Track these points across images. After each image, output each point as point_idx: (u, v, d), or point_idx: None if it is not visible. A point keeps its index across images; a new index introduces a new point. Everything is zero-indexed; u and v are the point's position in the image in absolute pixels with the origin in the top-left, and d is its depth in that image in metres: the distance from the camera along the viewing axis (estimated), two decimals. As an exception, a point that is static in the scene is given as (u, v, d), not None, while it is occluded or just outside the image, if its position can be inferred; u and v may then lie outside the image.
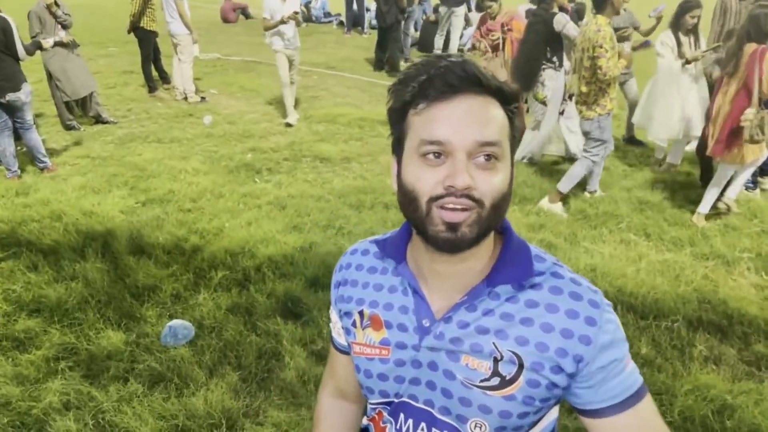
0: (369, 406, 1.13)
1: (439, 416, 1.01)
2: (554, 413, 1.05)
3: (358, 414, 1.26)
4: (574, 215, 4.94)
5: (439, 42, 11.47)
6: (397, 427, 1.06)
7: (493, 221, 0.92)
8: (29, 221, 4.57)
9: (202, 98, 8.56)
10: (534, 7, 5.74)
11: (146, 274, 3.84)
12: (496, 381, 0.95)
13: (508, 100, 0.94)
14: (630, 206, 5.12)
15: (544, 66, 5.52)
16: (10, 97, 5.25)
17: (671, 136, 5.78)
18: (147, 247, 4.19)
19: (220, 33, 14.23)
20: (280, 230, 4.52)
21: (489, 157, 0.89)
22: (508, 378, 0.95)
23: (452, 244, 0.90)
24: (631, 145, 6.80)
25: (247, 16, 16.36)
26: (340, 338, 1.18)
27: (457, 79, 0.89)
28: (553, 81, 5.59)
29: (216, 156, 6.29)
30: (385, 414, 1.09)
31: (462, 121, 0.88)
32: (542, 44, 5.45)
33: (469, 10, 12.33)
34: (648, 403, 0.97)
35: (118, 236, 4.30)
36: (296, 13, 6.74)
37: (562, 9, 5.53)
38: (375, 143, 6.84)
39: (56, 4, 6.61)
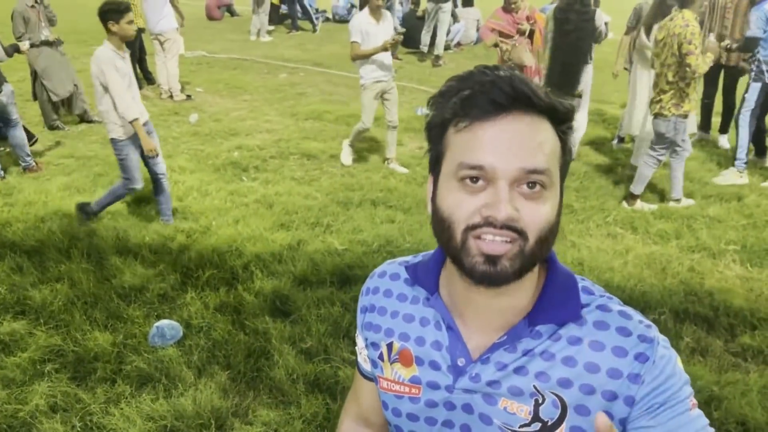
0: None
1: None
2: None
3: None
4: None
5: (425, 38, 11.46)
6: None
7: (537, 255, 0.82)
8: (13, 222, 4.52)
9: (188, 96, 8.50)
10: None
11: (133, 274, 3.81)
12: (536, 426, 0.86)
13: (562, 119, 0.83)
14: (616, 200, 5.15)
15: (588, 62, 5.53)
16: None
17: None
18: (133, 247, 4.16)
19: (205, 30, 14.14)
20: (267, 228, 4.50)
21: (534, 184, 0.79)
22: (549, 424, 0.85)
23: (490, 278, 0.80)
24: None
25: (233, 14, 16.24)
26: (366, 365, 1.08)
27: (504, 97, 0.78)
28: (586, 75, 5.62)
29: (202, 154, 6.25)
30: None
31: (508, 145, 0.78)
32: (590, 41, 5.47)
33: (455, 5, 12.33)
34: None
35: (103, 236, 4.27)
36: (400, 34, 5.52)
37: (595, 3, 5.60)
38: (363, 140, 6.83)
39: (38, 1, 6.55)
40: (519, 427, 0.87)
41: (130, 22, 4.10)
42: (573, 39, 5.46)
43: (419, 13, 11.97)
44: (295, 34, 13.95)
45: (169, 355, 3.09)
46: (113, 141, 4.21)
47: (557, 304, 0.88)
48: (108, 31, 4.08)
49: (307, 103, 8.38)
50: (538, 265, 0.89)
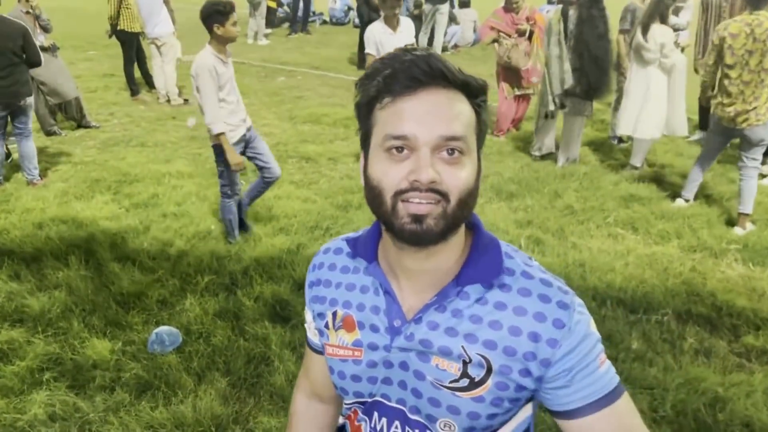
0: (344, 405, 1.13)
1: (410, 415, 1.02)
2: (528, 410, 1.03)
3: (334, 415, 1.26)
4: (561, 210, 4.94)
5: (423, 39, 11.45)
6: (371, 425, 1.07)
7: (459, 216, 0.91)
8: (11, 229, 4.49)
9: (185, 100, 8.48)
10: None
11: (131, 280, 3.79)
12: (465, 382, 0.96)
13: (475, 93, 0.93)
14: (616, 200, 5.13)
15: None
16: (25, 101, 5.30)
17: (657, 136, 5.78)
18: (132, 253, 4.13)
19: (203, 34, 14.10)
20: (266, 232, 4.48)
21: (453, 151, 0.89)
22: (477, 380, 0.95)
23: (418, 237, 0.89)
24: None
25: (230, 17, 16.23)
26: (315, 338, 1.17)
27: (421, 74, 0.88)
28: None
29: (200, 158, 6.23)
30: (359, 413, 1.09)
31: (427, 115, 0.88)
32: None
33: (452, 6, 12.33)
34: (625, 402, 0.95)
35: (101, 243, 4.24)
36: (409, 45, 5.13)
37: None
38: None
39: (33, 7, 6.54)
40: (449, 383, 0.96)
41: (235, 23, 3.90)
42: (606, 41, 5.45)
43: (415, 12, 11.98)
44: (293, 36, 13.94)
45: (169, 361, 3.07)
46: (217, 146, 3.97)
47: (481, 265, 0.97)
48: (211, 33, 3.87)
49: (305, 106, 8.36)
50: (465, 232, 1.00)
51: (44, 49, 6.65)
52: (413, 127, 0.87)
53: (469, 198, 0.91)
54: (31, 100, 5.38)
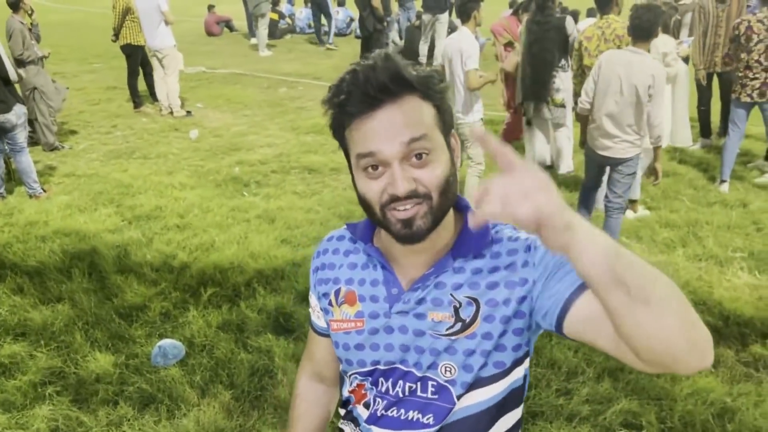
0: (349, 378, 1.20)
1: (414, 372, 1.09)
2: (520, 372, 1.10)
3: (335, 394, 1.35)
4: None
5: (423, 49, 11.47)
6: (378, 390, 1.14)
7: (444, 206, 1.00)
8: (14, 242, 4.49)
9: (188, 112, 8.49)
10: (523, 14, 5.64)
11: (134, 293, 3.78)
12: (458, 326, 1.05)
13: (432, 86, 0.99)
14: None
15: (555, 71, 5.45)
16: None
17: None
18: (134, 266, 4.12)
19: (204, 46, 14.18)
20: (269, 244, 4.46)
21: (421, 155, 0.96)
22: (468, 321, 1.04)
23: (411, 238, 0.99)
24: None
25: (231, 29, 16.30)
26: (320, 321, 1.25)
27: (374, 90, 0.94)
28: (565, 83, 5.55)
29: (203, 170, 6.23)
30: (366, 383, 1.16)
31: (387, 130, 0.95)
32: (556, 50, 5.39)
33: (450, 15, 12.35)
34: None
35: (104, 255, 4.23)
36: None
37: (563, 12, 5.54)
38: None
39: (22, 22, 6.58)
40: (446, 331, 1.05)
41: None
42: (536, 50, 5.40)
43: (416, 23, 12.01)
44: (288, 38, 14.04)
45: (172, 375, 3.05)
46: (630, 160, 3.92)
47: (474, 238, 1.06)
48: (649, 40, 3.82)
49: (307, 116, 8.36)
50: (454, 214, 1.09)
51: (41, 59, 6.71)
52: (377, 144, 0.95)
53: (448, 188, 0.99)
54: (8, 116, 5.15)
